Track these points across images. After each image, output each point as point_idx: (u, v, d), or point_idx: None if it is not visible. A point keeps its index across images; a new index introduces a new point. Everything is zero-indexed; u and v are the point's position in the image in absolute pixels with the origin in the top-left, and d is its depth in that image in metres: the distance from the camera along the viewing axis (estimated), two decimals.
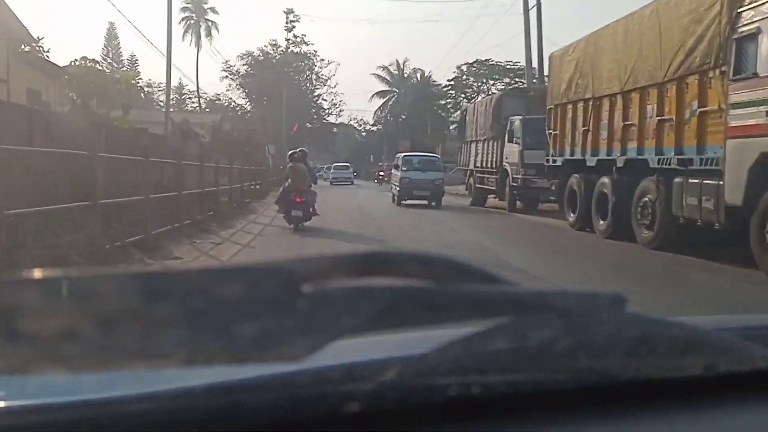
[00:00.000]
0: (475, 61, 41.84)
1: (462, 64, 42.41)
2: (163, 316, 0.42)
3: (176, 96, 49.00)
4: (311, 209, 10.31)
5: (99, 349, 0.41)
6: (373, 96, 55.37)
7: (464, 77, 42.62)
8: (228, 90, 62.88)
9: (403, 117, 51.65)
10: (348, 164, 44.48)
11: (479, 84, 41.99)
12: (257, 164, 20.58)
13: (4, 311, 0.41)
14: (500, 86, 38.09)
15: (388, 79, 54.16)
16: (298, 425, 0.48)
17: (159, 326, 0.42)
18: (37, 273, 0.42)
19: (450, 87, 43.69)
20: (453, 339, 0.52)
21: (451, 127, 44.53)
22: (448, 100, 43.39)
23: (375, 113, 55.91)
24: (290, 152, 11.13)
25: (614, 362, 0.56)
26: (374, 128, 64.75)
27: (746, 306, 4.84)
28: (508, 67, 40.55)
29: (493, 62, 41.46)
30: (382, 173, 39.33)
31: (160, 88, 44.69)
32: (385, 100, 54.57)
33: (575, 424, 0.56)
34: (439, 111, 48.35)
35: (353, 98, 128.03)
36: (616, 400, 0.57)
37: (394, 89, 54.29)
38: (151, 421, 0.45)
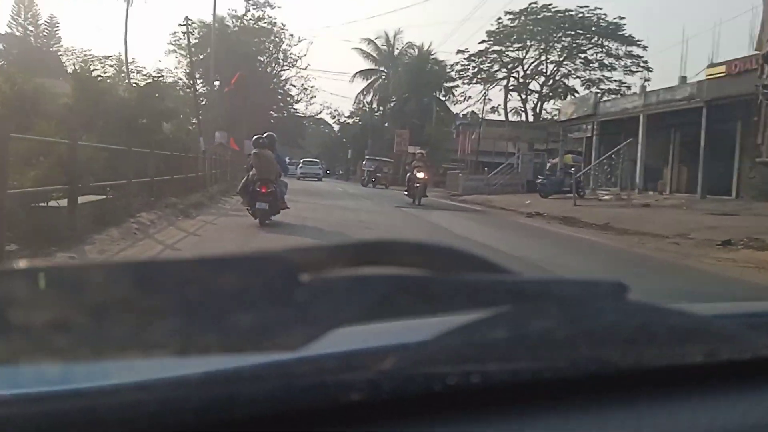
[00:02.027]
0: (528, 7, 28.90)
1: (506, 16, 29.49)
2: (157, 305, 0.42)
3: (114, 69, 39.12)
4: (279, 201, 8.88)
5: (92, 339, 0.41)
6: (355, 75, 46.25)
7: (500, 34, 29.96)
8: (177, 68, 53.21)
9: (392, 103, 42.87)
10: (317, 160, 40.99)
11: (531, 42, 29.69)
12: (183, 149, 14.02)
13: None
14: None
15: (374, 55, 45.25)
16: (294, 414, 0.48)
17: (153, 316, 0.42)
18: (27, 263, 0.41)
19: (474, 58, 31.10)
20: (452, 328, 0.51)
21: (462, 116, 36.71)
22: (466, 76, 32.25)
23: (356, 97, 46.89)
24: (255, 137, 9.49)
25: (614, 351, 0.56)
26: (350, 121, 56.31)
27: None
28: (585, 16, 28.35)
29: (557, 10, 28.08)
30: (380, 173, 32.82)
31: (99, 59, 35.36)
32: (369, 81, 45.67)
33: (575, 413, 0.55)
34: (444, 97, 39.90)
35: (328, 83, 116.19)
36: (616, 388, 0.57)
37: (381, 68, 45.52)
38: (146, 410, 0.44)
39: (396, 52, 43.94)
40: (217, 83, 43.43)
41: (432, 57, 40.33)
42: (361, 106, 49.03)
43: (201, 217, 9.93)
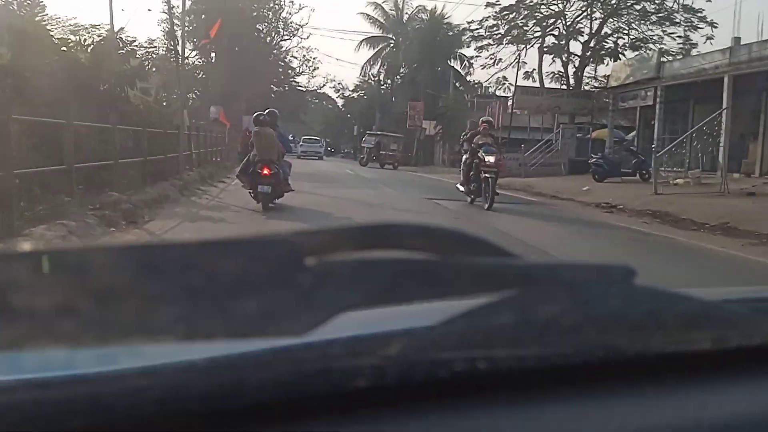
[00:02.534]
0: None
1: None
2: (162, 290, 0.42)
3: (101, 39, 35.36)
4: (283, 183, 8.17)
5: (96, 325, 0.41)
6: (360, 44, 42.40)
7: None
8: (165, 35, 49.83)
9: (402, 73, 39.22)
10: (318, 138, 39.29)
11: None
12: (159, 124, 11.37)
13: None
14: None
15: (381, 21, 41.38)
16: (300, 400, 0.48)
17: (158, 301, 0.42)
18: (30, 246, 0.41)
19: (506, 12, 24.90)
20: (458, 313, 0.51)
21: (477, 84, 32.95)
22: (496, 34, 25.60)
23: (362, 68, 43.09)
24: (255, 114, 8.71)
25: (622, 336, 0.55)
26: (355, 95, 52.87)
27: None
28: None
29: None
30: (388, 151, 29.47)
31: (85, 28, 31.72)
32: (377, 50, 41.91)
33: (582, 399, 0.55)
34: (458, 66, 36.23)
35: (332, 51, 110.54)
36: (623, 374, 0.57)
37: (389, 36, 41.76)
38: (150, 396, 0.44)
39: (405, 17, 40.11)
40: (213, 55, 40.08)
41: (446, 21, 36.46)
42: (367, 78, 45.49)
43: (156, 222, 6.95)
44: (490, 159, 9.70)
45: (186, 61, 41.93)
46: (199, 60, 40.66)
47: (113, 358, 0.46)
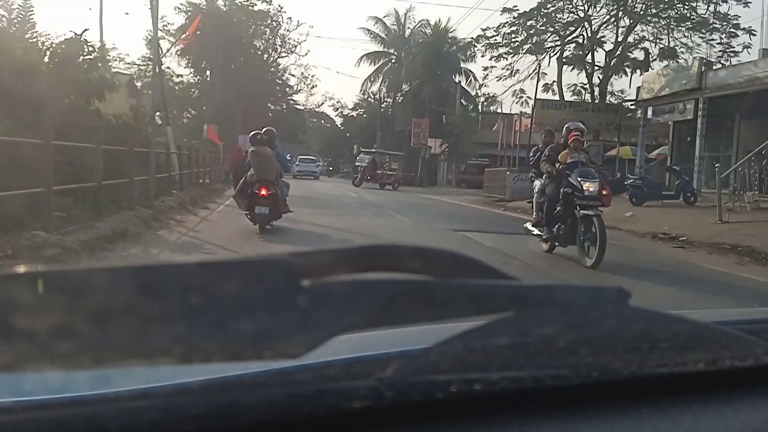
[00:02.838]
0: None
1: None
2: (159, 311, 0.42)
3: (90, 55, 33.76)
4: (281, 204, 7.89)
5: (94, 346, 0.41)
6: (360, 60, 40.99)
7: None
8: (165, 56, 48.55)
9: (403, 90, 37.62)
10: (314, 157, 39.22)
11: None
12: (133, 141, 9.61)
13: None
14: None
15: (383, 36, 40.00)
16: (296, 423, 0.48)
17: (155, 322, 0.42)
18: (28, 268, 0.41)
19: (524, 18, 22.02)
20: (454, 334, 0.51)
21: (481, 95, 31.01)
22: (500, 53, 22.80)
23: (363, 84, 41.56)
24: (252, 133, 8.32)
25: (616, 358, 0.56)
26: (354, 113, 51.39)
27: None
28: None
29: None
30: (385, 170, 27.35)
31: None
32: (378, 66, 40.40)
33: (577, 420, 0.55)
34: (464, 82, 34.59)
35: (330, 73, 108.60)
36: (618, 396, 0.57)
37: (390, 51, 40.29)
38: (147, 417, 0.44)
39: (407, 32, 38.78)
40: (208, 72, 38.60)
41: (450, 36, 34.94)
42: (366, 96, 44.01)
43: None
44: (591, 187, 6.22)
45: (180, 79, 40.59)
46: (194, 78, 39.27)
47: (111, 379, 0.46)
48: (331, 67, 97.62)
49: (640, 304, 0.57)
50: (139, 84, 35.87)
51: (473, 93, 33.74)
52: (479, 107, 33.40)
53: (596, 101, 21.97)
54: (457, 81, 34.52)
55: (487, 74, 24.39)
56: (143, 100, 35.40)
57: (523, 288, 0.53)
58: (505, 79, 23.72)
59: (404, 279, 0.49)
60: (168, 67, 41.60)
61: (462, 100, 33.05)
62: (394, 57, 39.00)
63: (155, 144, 12.06)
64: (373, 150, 31.03)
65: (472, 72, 34.62)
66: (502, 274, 0.53)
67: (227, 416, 0.46)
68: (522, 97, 25.16)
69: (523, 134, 24.61)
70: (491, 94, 29.55)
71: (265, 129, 8.38)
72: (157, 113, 13.34)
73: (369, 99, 46.31)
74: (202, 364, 0.44)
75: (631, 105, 20.92)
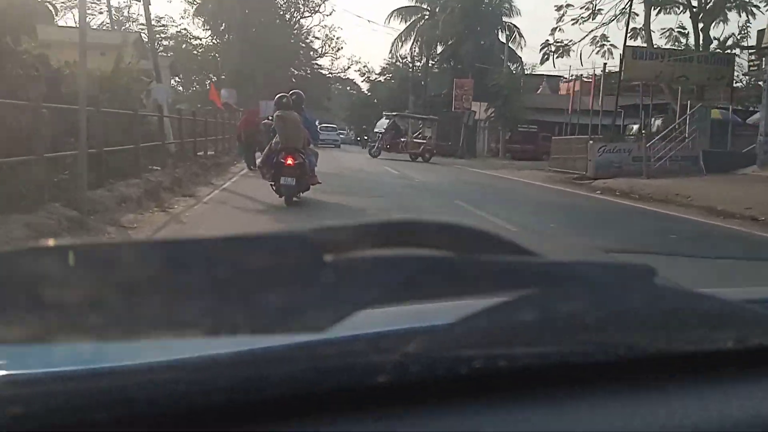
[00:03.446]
0: None
1: None
2: (186, 284, 0.43)
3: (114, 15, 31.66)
4: (309, 175, 7.28)
5: (123, 318, 0.41)
6: (391, 15, 37.18)
7: None
8: (183, 17, 46.03)
9: (439, 50, 33.85)
10: (335, 125, 36.55)
11: None
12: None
13: (27, 280, 0.40)
14: None
15: None
16: (321, 395, 0.48)
17: (183, 295, 0.42)
18: (60, 241, 0.42)
19: None
20: (478, 310, 0.51)
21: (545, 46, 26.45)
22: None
23: (393, 44, 37.84)
24: (278, 96, 7.51)
25: (643, 335, 0.55)
26: (382, 78, 47.78)
27: None
28: None
29: None
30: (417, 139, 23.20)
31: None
32: (410, 23, 36.65)
33: (604, 397, 0.55)
34: (509, 39, 30.66)
35: (355, 36, 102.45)
36: (645, 373, 0.56)
37: (424, 6, 36.30)
38: (175, 389, 0.45)
39: None
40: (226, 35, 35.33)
41: None
42: (395, 60, 40.38)
43: None
44: None
45: (199, 41, 37.46)
46: (213, 41, 36.20)
47: (139, 351, 0.47)
48: (359, 24, 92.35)
49: (667, 281, 0.57)
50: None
51: (518, 51, 29.97)
52: (523, 68, 29.55)
53: (699, 50, 17.47)
54: (500, 38, 30.69)
55: (563, 14, 19.06)
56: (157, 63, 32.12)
57: (549, 265, 0.53)
58: (583, 22, 18.67)
59: (428, 255, 0.49)
60: (185, 29, 38.58)
61: (506, 60, 29.26)
62: (428, 13, 35.07)
63: (140, 105, 9.05)
64: (396, 113, 25.94)
65: (516, 27, 30.69)
66: (527, 250, 0.52)
67: (255, 389, 0.46)
68: (603, 45, 19.32)
69: (582, 98, 20.80)
70: (565, 43, 20.52)
71: (291, 91, 7.72)
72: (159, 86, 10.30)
73: (398, 63, 42.67)
74: (230, 336, 0.44)
75: (751, 54, 16.59)
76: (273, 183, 7.15)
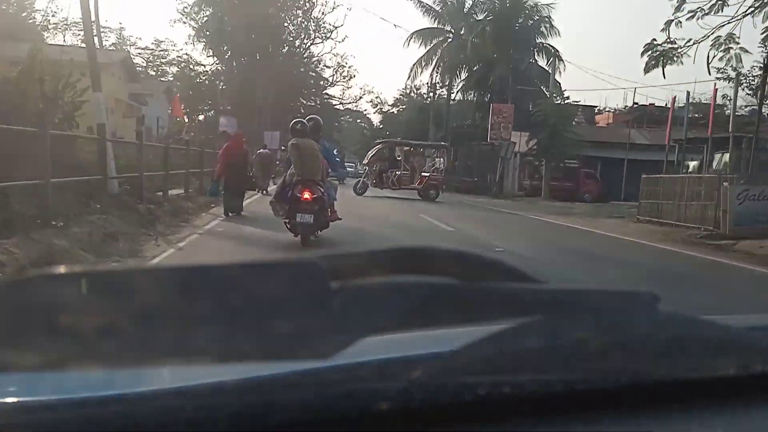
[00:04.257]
0: None
1: None
2: (198, 311, 0.43)
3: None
4: (328, 211, 6.52)
5: (135, 345, 0.42)
6: (409, 39, 33.74)
7: None
8: (187, 43, 44.11)
9: (463, 74, 30.51)
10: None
11: None
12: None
13: (41, 307, 0.41)
14: None
15: (437, 9, 31.98)
16: (327, 423, 0.48)
17: (194, 322, 0.43)
18: (74, 268, 0.43)
19: None
20: (484, 336, 0.51)
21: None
22: None
23: (411, 69, 34.43)
24: (294, 121, 6.71)
25: (647, 362, 0.56)
26: (395, 109, 44.88)
27: None
28: None
29: None
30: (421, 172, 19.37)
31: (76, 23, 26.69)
32: (431, 46, 33.29)
33: (607, 424, 0.55)
34: (542, 60, 27.34)
35: (367, 66, 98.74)
36: (649, 400, 0.56)
37: (447, 28, 33.25)
38: (182, 416, 0.45)
39: (468, 3, 31.63)
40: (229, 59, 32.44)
41: (529, 3, 27.63)
42: (412, 87, 37.30)
43: None
44: None
45: (202, 68, 34.53)
46: (217, 65, 33.26)
47: (150, 378, 0.48)
48: (373, 52, 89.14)
49: (671, 308, 0.57)
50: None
51: (557, 77, 26.58)
52: (562, 96, 26.11)
53: None
54: (536, 60, 27.37)
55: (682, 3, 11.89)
56: (148, 85, 28.62)
57: (554, 292, 0.53)
58: (703, 15, 11.53)
59: (435, 281, 0.49)
60: (187, 54, 36.14)
61: (542, 86, 25.82)
62: (451, 35, 31.98)
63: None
64: (389, 140, 22.16)
65: (555, 50, 27.34)
66: (533, 278, 0.53)
67: (261, 415, 0.46)
68: (729, 48, 11.31)
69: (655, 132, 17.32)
70: (677, 45, 12.14)
71: (310, 117, 7.06)
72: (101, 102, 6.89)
73: (413, 93, 39.64)
74: (239, 363, 0.45)
75: None
76: (287, 220, 6.36)
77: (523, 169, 26.19)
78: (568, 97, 23.34)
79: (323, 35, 34.95)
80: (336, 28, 33.98)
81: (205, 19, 32.60)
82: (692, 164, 18.40)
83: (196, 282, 0.44)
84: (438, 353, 0.52)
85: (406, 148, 20.13)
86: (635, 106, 29.46)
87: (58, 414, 0.43)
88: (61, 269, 0.42)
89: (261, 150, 16.37)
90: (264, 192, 14.24)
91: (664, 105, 28.07)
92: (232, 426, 0.46)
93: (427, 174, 18.70)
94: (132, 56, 30.96)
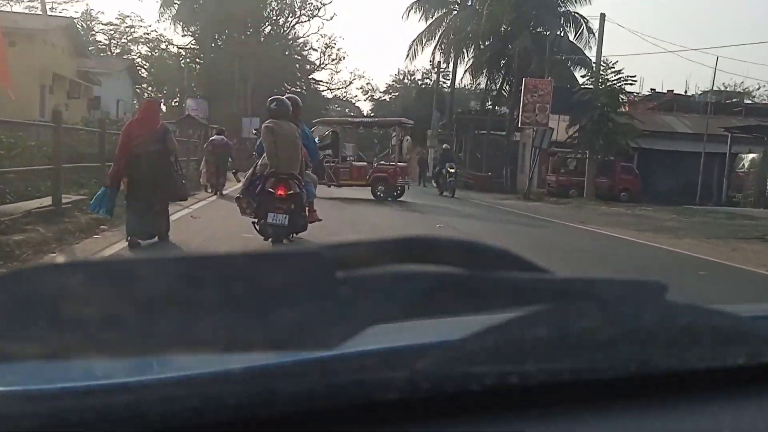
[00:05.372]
0: None
1: None
2: (201, 300, 0.43)
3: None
4: (306, 210, 5.39)
5: (138, 334, 0.42)
6: (410, 9, 28.10)
7: None
8: (158, 21, 40.51)
9: (471, 52, 26.45)
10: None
11: None
12: None
13: (45, 297, 0.41)
14: None
15: None
16: (332, 411, 0.48)
17: (196, 311, 0.43)
18: (77, 258, 0.44)
19: None
20: (491, 326, 0.51)
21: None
22: None
23: (410, 47, 30.29)
24: (270, 100, 5.38)
25: (656, 352, 0.55)
26: (387, 97, 40.96)
27: None
28: None
29: None
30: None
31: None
32: (433, 20, 28.63)
33: (616, 414, 0.55)
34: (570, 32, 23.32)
35: (358, 47, 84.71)
36: (657, 389, 0.56)
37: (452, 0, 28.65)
38: (187, 404, 0.45)
39: None
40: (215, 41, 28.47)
41: None
42: (403, 78, 33.38)
43: None
44: None
45: (174, 47, 30.97)
46: (193, 45, 29.34)
47: (154, 367, 0.47)
48: (364, 33, 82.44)
49: (679, 298, 0.56)
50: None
51: (587, 51, 22.67)
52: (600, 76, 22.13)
53: None
54: (564, 33, 23.36)
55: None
56: (107, 64, 24.62)
57: (562, 281, 0.53)
58: None
59: (442, 271, 0.49)
60: (161, 34, 32.37)
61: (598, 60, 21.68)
62: (457, 6, 27.89)
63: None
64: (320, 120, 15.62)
65: (584, 19, 23.36)
66: (540, 267, 0.52)
67: (265, 404, 0.47)
68: None
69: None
70: None
71: (287, 95, 5.74)
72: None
73: (405, 81, 35.63)
74: (244, 352, 0.45)
75: None
76: (256, 220, 5.19)
77: (543, 161, 22.20)
78: (621, 70, 18.88)
79: (309, 13, 30.86)
80: (324, 5, 29.95)
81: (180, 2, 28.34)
82: (748, 157, 16.42)
83: (201, 271, 0.44)
84: (444, 342, 0.52)
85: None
86: (652, 92, 25.50)
87: (63, 403, 0.44)
88: (65, 259, 0.40)
89: (214, 137, 12.55)
90: (219, 194, 11.39)
91: (684, 92, 24.40)
92: (238, 414, 0.46)
93: (391, 165, 13.47)
94: (93, 32, 26.30)
